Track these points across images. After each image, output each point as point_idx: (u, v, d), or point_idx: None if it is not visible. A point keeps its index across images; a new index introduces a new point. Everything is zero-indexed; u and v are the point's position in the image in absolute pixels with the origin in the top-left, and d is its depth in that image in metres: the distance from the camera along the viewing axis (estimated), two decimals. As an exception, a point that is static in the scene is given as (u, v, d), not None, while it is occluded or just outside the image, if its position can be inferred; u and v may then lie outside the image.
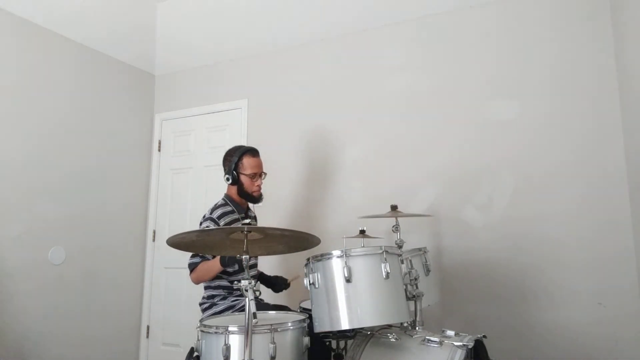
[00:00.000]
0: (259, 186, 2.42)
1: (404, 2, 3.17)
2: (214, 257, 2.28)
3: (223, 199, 2.44)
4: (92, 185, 3.50)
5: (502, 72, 2.89)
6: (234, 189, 2.42)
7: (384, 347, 1.81)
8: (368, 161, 3.20)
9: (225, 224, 2.29)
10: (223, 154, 2.48)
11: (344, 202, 3.24)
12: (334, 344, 2.31)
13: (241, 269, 2.33)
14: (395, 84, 3.19)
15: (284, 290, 2.56)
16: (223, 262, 2.14)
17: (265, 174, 2.46)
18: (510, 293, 2.71)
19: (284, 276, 2.59)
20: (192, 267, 2.25)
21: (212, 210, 2.35)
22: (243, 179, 2.38)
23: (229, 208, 2.37)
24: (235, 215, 2.38)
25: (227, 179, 2.37)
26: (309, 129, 3.44)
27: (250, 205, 2.56)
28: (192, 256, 2.27)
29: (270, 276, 2.60)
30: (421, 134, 3.06)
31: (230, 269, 2.32)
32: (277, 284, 2.54)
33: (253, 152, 2.43)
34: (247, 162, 2.38)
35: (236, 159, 2.37)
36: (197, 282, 2.28)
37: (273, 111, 3.60)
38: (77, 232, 3.35)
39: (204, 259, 2.24)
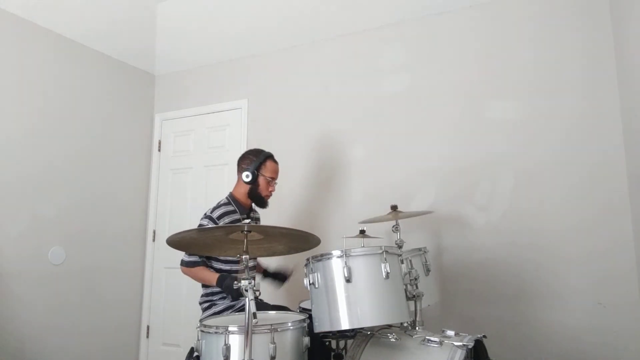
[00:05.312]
0: (272, 191, 2.47)
1: (403, 2, 3.17)
2: (210, 259, 2.29)
3: (227, 197, 2.43)
4: (92, 185, 3.50)
5: (502, 71, 2.89)
6: (244, 188, 2.43)
7: (384, 347, 1.81)
8: (368, 161, 3.20)
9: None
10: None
11: (344, 202, 3.24)
12: (334, 344, 2.31)
13: (239, 294, 2.12)
14: (395, 84, 3.19)
15: (284, 286, 2.65)
16: (219, 283, 2.15)
17: (276, 182, 2.50)
18: (510, 293, 2.71)
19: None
20: (191, 265, 2.26)
21: (214, 209, 2.34)
22: (261, 180, 2.41)
23: (231, 208, 2.37)
24: (237, 216, 2.37)
25: (247, 176, 2.38)
26: (308, 129, 3.44)
27: (255, 207, 2.56)
28: (190, 254, 2.26)
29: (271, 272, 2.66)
30: (421, 133, 3.06)
31: (225, 269, 2.32)
32: (278, 276, 2.63)
33: (274, 158, 2.49)
34: (270, 165, 2.44)
35: (261, 160, 2.42)
36: (187, 276, 2.31)
37: (273, 111, 3.60)
38: (77, 232, 3.35)
39: (202, 258, 2.26)
